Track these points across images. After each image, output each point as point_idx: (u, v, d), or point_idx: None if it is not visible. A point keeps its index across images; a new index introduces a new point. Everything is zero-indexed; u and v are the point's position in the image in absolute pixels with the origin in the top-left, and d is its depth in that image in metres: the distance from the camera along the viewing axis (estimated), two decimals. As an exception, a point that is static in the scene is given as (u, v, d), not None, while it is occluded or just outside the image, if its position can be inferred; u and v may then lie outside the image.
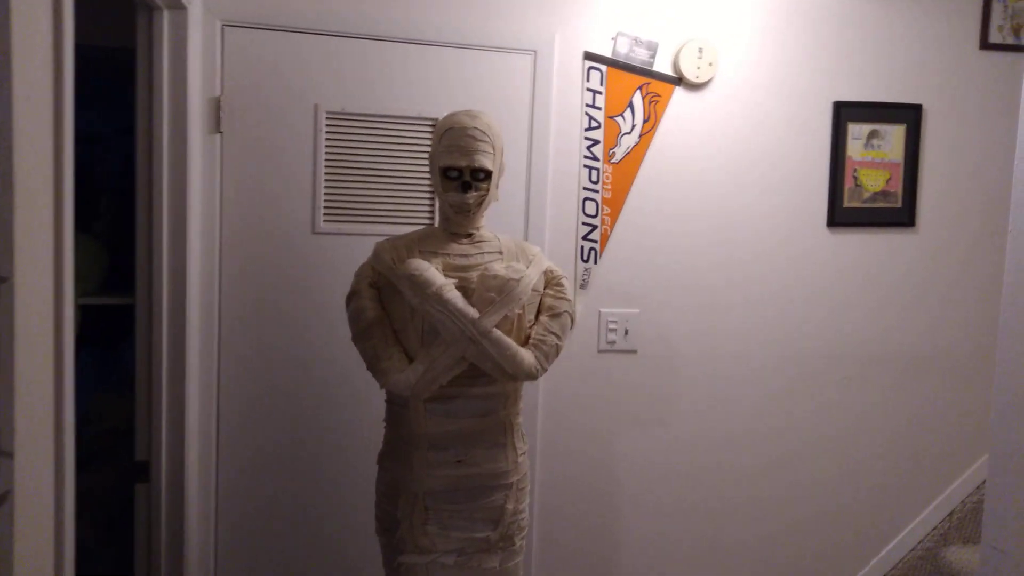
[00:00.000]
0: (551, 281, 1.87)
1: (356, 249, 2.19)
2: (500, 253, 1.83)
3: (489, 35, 2.31)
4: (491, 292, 1.72)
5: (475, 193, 1.77)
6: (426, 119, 2.27)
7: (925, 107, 2.64)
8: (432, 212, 2.30)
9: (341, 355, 2.22)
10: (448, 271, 1.76)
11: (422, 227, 1.91)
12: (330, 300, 2.23)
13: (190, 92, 2.05)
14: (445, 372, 1.72)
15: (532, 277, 1.79)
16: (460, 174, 1.76)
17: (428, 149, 2.24)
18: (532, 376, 1.77)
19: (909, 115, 2.63)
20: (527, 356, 1.75)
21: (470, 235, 1.84)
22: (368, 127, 2.25)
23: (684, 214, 2.51)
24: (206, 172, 2.16)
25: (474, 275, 1.76)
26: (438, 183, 1.80)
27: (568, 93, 2.39)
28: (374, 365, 1.74)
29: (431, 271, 1.71)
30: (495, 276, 1.73)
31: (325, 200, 2.24)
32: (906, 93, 2.63)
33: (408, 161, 2.28)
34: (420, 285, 1.69)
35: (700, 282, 2.54)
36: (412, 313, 1.74)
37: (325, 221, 2.25)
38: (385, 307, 1.79)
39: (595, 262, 2.45)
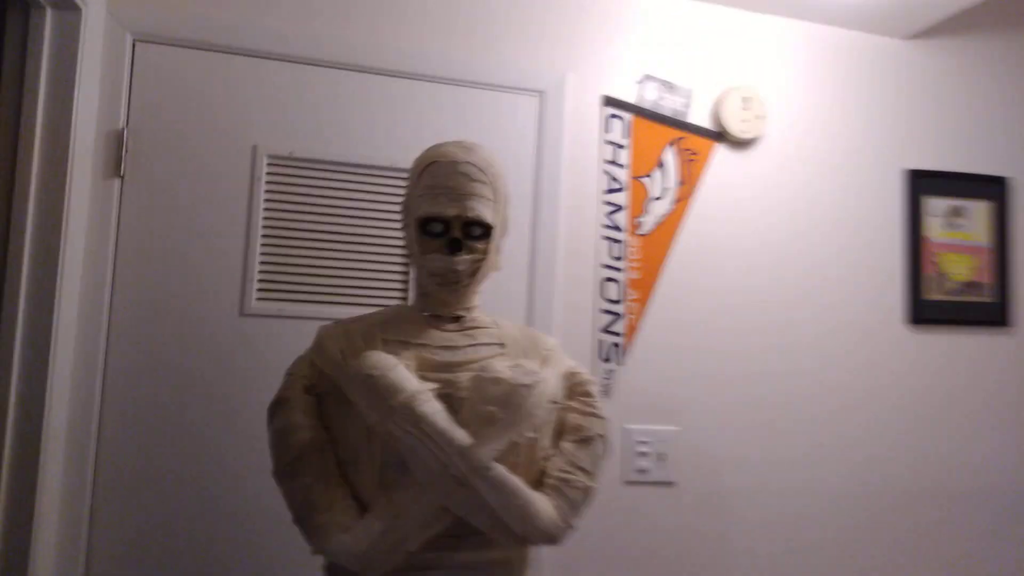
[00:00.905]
0: (576, 389, 1.28)
1: (301, 339, 1.59)
2: (502, 345, 1.25)
3: (485, 69, 1.81)
4: (491, 405, 1.12)
5: (467, 256, 1.20)
6: (398, 170, 1.73)
7: (1011, 181, 2.17)
8: (407, 290, 1.72)
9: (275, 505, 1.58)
10: (426, 370, 1.16)
11: (394, 304, 1.32)
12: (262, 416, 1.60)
13: (78, 121, 1.49)
14: (417, 531, 1.10)
15: (550, 383, 1.19)
16: (446, 228, 1.20)
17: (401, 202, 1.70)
18: (552, 537, 1.14)
19: (994, 190, 2.15)
20: (544, 506, 1.13)
21: (459, 318, 1.25)
22: (323, 178, 1.70)
23: (731, 303, 1.95)
24: (94, 230, 1.57)
25: (465, 377, 1.17)
26: (414, 241, 1.23)
27: (584, 145, 1.88)
28: (305, 517, 1.11)
29: (399, 370, 1.12)
30: (497, 380, 1.13)
31: (261, 271, 1.66)
32: (990, 164, 2.16)
33: (375, 222, 1.72)
34: (382, 392, 1.10)
35: (753, 393, 1.95)
36: (368, 436, 1.13)
37: (259, 300, 1.65)
38: (327, 426, 1.18)
39: (619, 362, 1.86)
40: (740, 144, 1.97)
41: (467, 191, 1.19)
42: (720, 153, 1.96)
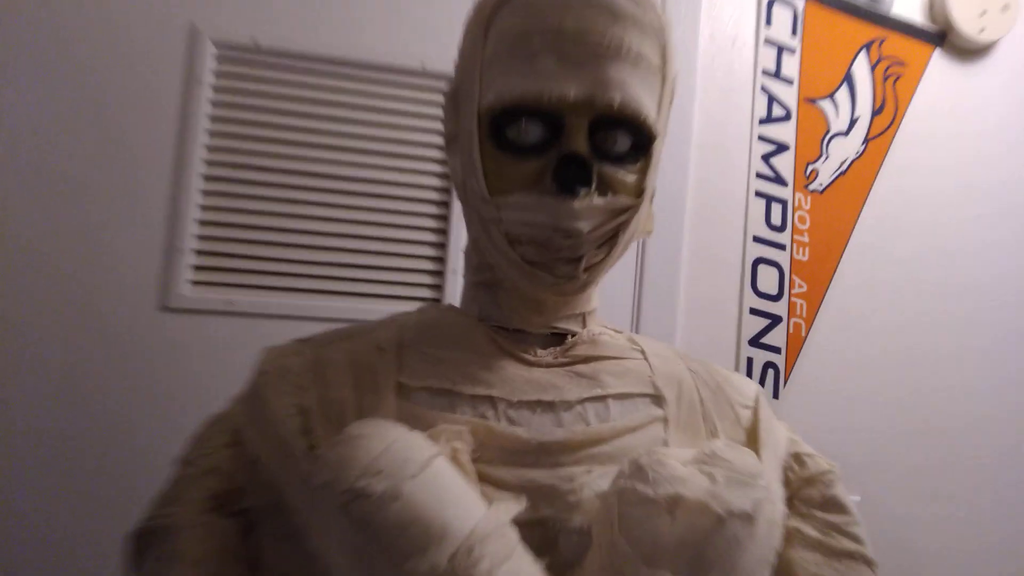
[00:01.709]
0: (811, 493, 0.59)
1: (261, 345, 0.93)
2: (657, 398, 0.56)
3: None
4: (661, 568, 0.44)
5: (601, 201, 0.51)
6: (433, 76, 1.04)
7: None
8: (442, 275, 1.04)
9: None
10: (497, 463, 0.51)
11: (421, 306, 0.64)
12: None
13: None
14: None
15: (779, 500, 0.51)
16: (553, 132, 0.50)
17: (431, 130, 1.02)
18: None
19: None
20: None
21: (562, 336, 0.57)
22: (308, 85, 1.02)
23: (954, 304, 1.24)
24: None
25: (591, 482, 0.50)
26: (474, 163, 0.53)
27: (727, 46, 1.17)
28: None
29: (433, 472, 0.46)
30: (676, 502, 0.46)
31: (199, 239, 0.98)
32: None
33: (391, 160, 1.04)
34: (389, 536, 0.43)
35: (976, 445, 1.25)
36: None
37: (194, 284, 0.98)
38: None
39: (776, 392, 1.17)
40: (971, 52, 1.25)
41: (612, 46, 0.50)
42: (939, 65, 1.24)
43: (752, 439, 0.58)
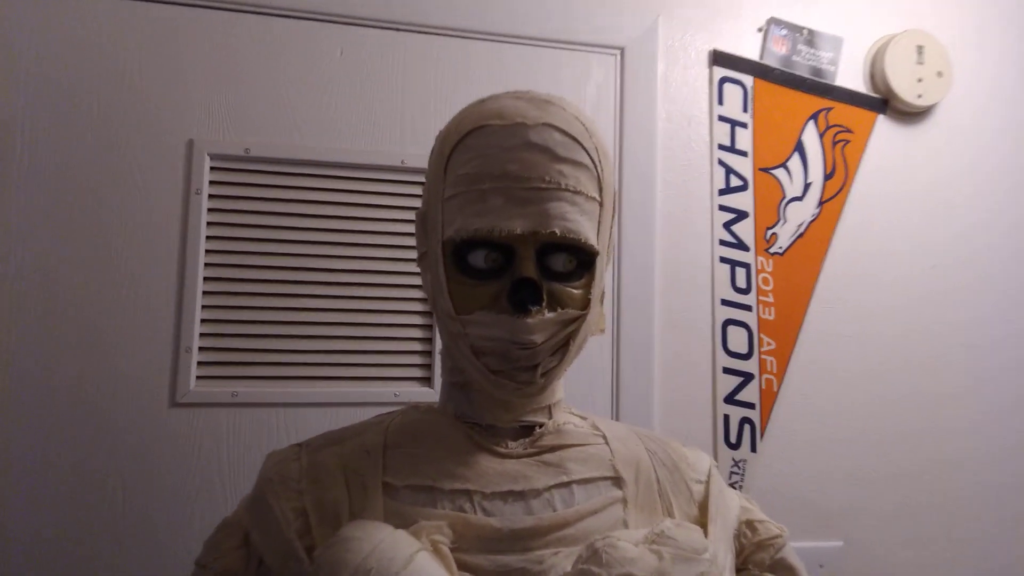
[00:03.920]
0: (761, 556, 0.67)
1: (276, 442, 1.01)
2: (616, 480, 0.63)
3: (537, 18, 1.21)
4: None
5: (552, 316, 0.59)
6: (406, 170, 1.13)
7: None
8: (431, 355, 1.12)
9: None
10: (474, 550, 0.58)
11: (404, 407, 0.71)
12: None
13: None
14: None
15: (724, 567, 0.59)
16: (507, 259, 0.59)
17: (413, 221, 1.11)
18: None
19: None
20: None
21: (530, 428, 0.65)
22: (301, 188, 1.11)
23: (914, 354, 1.32)
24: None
25: (558, 564, 0.56)
26: (441, 286, 0.62)
27: (684, 125, 1.27)
28: None
29: (417, 567, 0.51)
30: None
31: (203, 336, 1.06)
32: None
33: (386, 251, 1.12)
34: None
35: (953, 486, 1.31)
36: None
37: (201, 379, 1.05)
38: None
39: (753, 447, 1.23)
40: (913, 115, 1.34)
41: (550, 185, 0.58)
42: (884, 129, 1.33)
43: (704, 512, 0.65)
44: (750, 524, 0.68)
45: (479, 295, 0.59)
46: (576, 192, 0.59)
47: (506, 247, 0.58)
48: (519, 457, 0.64)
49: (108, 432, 1.02)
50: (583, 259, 0.61)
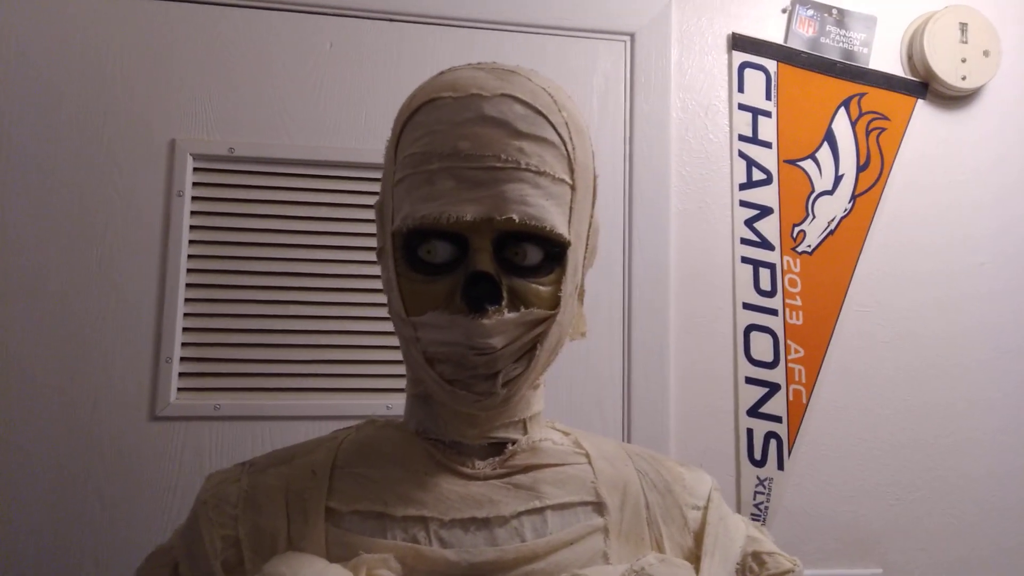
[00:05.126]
0: None
1: (256, 450, 0.94)
2: (598, 505, 0.55)
3: (539, 3, 1.14)
4: None
5: (512, 316, 0.51)
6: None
7: None
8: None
9: None
10: None
11: (360, 422, 0.63)
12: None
13: None
14: None
15: None
16: (461, 250, 0.51)
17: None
18: None
19: None
20: None
21: (501, 445, 0.57)
22: (288, 188, 1.05)
23: (965, 354, 1.20)
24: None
25: None
26: (392, 282, 0.54)
27: (701, 115, 1.17)
28: None
29: None
30: None
31: (185, 345, 1.01)
32: None
33: (362, 249, 1.06)
34: None
35: (1009, 506, 1.18)
36: None
37: (182, 391, 1.00)
38: None
39: (780, 464, 1.13)
40: (957, 99, 1.23)
41: (507, 163, 0.50)
42: (925, 115, 1.22)
43: (699, 543, 0.56)
44: (757, 556, 0.59)
45: (431, 293, 0.52)
46: (539, 173, 0.51)
47: (460, 237, 0.51)
48: (486, 479, 0.56)
49: (86, 447, 0.97)
50: (551, 251, 0.52)
